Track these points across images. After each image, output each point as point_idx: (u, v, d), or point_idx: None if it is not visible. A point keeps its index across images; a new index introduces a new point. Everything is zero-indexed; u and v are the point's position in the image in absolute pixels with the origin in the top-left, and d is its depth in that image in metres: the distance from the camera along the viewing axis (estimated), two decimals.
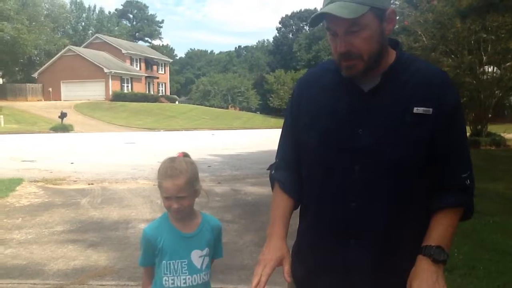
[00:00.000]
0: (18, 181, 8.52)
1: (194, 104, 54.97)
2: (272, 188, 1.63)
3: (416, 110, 1.36)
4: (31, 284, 3.89)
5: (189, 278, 1.81)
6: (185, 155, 1.85)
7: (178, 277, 1.81)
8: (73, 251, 4.80)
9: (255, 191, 7.92)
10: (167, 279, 1.81)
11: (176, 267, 1.81)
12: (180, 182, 1.74)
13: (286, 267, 1.47)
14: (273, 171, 1.63)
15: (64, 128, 28.55)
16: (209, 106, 54.61)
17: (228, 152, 14.29)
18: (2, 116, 30.50)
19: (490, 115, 17.40)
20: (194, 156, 1.94)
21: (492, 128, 17.19)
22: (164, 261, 1.81)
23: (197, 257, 1.83)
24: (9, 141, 19.84)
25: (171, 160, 1.81)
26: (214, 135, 25.81)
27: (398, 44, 1.48)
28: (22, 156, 13.49)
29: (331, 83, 1.48)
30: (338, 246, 1.44)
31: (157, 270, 1.84)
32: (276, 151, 1.66)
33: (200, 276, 1.84)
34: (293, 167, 1.57)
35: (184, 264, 1.81)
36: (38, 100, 44.55)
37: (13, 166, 11.04)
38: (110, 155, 14.53)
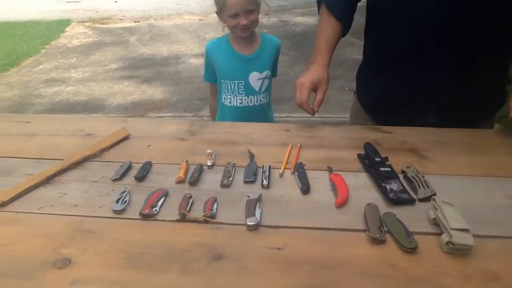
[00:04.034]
0: (66, 22, 8.56)
1: None
2: (319, 10, 1.46)
3: None
4: (95, 116, 4.14)
5: (245, 99, 1.85)
6: None
7: (235, 97, 1.85)
8: (128, 86, 4.96)
9: (304, 22, 7.58)
10: (225, 97, 1.88)
11: (233, 87, 1.84)
12: None
13: (319, 96, 1.35)
14: None
15: None
16: None
17: None
18: None
19: None
20: None
21: None
22: (223, 80, 1.86)
23: (256, 79, 1.83)
24: None
25: None
26: None
27: None
28: None
29: None
30: (413, 63, 1.32)
31: (219, 88, 1.90)
32: None
33: (257, 97, 1.85)
34: None
35: (241, 85, 1.83)
36: None
37: (58, 7, 10.98)
38: None
